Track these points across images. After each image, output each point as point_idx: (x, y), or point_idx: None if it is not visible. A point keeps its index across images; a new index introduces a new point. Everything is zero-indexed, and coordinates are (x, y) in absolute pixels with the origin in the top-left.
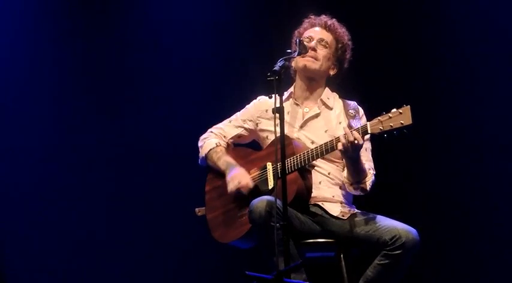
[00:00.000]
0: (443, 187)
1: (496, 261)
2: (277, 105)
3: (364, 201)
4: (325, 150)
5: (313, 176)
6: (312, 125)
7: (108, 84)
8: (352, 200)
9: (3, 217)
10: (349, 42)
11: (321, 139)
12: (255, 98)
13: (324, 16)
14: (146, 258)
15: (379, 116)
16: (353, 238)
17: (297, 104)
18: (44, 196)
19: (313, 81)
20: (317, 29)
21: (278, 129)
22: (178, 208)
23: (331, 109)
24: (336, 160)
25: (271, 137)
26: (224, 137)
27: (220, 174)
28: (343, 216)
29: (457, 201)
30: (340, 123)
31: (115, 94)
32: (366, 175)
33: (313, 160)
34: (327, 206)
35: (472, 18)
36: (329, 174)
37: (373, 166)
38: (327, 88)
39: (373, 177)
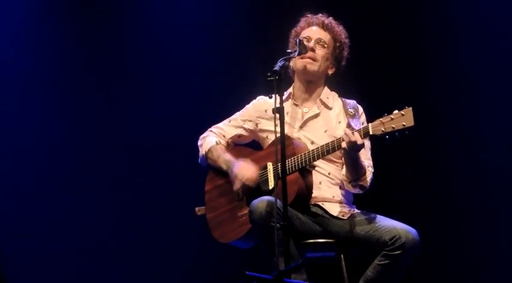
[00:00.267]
0: (443, 187)
1: (496, 261)
2: (277, 105)
3: (364, 201)
4: (326, 151)
5: (314, 176)
6: (312, 125)
7: (108, 84)
8: (352, 200)
9: (3, 217)
10: (347, 40)
11: (321, 139)
12: (255, 98)
13: (320, 15)
14: (146, 258)
15: (381, 117)
16: (353, 239)
17: (296, 105)
18: (44, 195)
19: (311, 82)
20: (314, 28)
21: (278, 129)
22: (178, 208)
23: (330, 109)
24: (336, 160)
25: (271, 137)
26: (224, 136)
27: (221, 173)
28: (343, 216)
29: (457, 201)
30: (339, 122)
31: (115, 94)
32: (364, 173)
33: (313, 161)
34: (327, 206)
35: (474, 18)
36: (329, 174)
37: (372, 164)
38: (325, 87)
39: (372, 175)
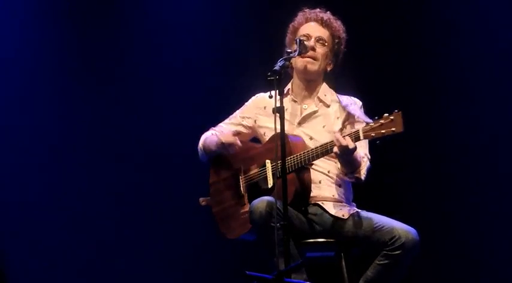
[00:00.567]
0: (443, 188)
1: (496, 261)
2: (278, 105)
3: (364, 201)
4: (321, 153)
5: (313, 175)
6: (310, 121)
7: (109, 84)
8: (352, 198)
9: (3, 217)
10: (344, 35)
11: (320, 134)
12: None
13: (318, 10)
14: (146, 258)
15: (372, 121)
16: (353, 238)
17: (295, 101)
18: (44, 195)
19: (311, 81)
20: (313, 24)
21: (278, 127)
22: (179, 208)
23: (328, 106)
24: (335, 158)
25: (269, 134)
26: (223, 132)
27: (224, 167)
28: (343, 215)
29: (456, 201)
30: (338, 118)
31: (115, 93)
32: (359, 165)
33: (309, 162)
34: (327, 206)
35: (472, 19)
36: (329, 172)
37: (367, 152)
38: (324, 84)
39: (369, 163)
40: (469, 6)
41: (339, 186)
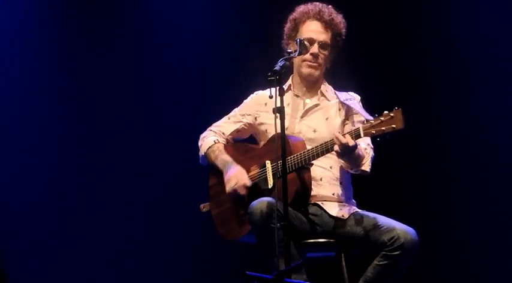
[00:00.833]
0: (443, 188)
1: (496, 261)
2: (278, 104)
3: (364, 201)
4: (321, 152)
5: (314, 172)
6: (313, 114)
7: (108, 84)
8: (352, 196)
9: (3, 217)
10: (345, 30)
11: (322, 126)
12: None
13: (320, 4)
14: (146, 258)
15: (372, 118)
16: (353, 238)
17: (297, 96)
18: (45, 195)
19: (312, 82)
20: (315, 25)
21: (278, 127)
22: (179, 208)
23: (329, 100)
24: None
25: (271, 130)
26: (223, 133)
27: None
28: (342, 216)
29: (456, 201)
30: (339, 109)
31: (115, 93)
32: (362, 159)
33: (309, 161)
34: (327, 206)
35: (472, 18)
36: (331, 167)
37: (369, 142)
38: (324, 80)
39: (372, 153)
40: (469, 6)
41: (340, 183)
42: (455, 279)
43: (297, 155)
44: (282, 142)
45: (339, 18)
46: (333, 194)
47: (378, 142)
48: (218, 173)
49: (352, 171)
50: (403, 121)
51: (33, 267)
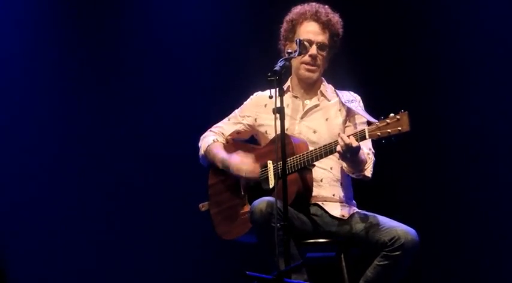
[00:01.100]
0: (443, 188)
1: (495, 262)
2: (278, 105)
3: (365, 201)
4: (324, 153)
5: (315, 173)
6: (313, 114)
7: (109, 84)
8: (352, 196)
9: (3, 217)
10: (342, 29)
11: (323, 127)
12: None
13: (316, 5)
14: (146, 258)
15: (378, 120)
16: (353, 239)
17: (296, 97)
18: (45, 195)
19: (311, 84)
20: (312, 26)
21: (278, 127)
22: (179, 208)
23: (329, 100)
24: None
25: (270, 132)
26: (223, 133)
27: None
28: (343, 216)
29: (456, 202)
30: (339, 110)
31: (115, 93)
32: (365, 163)
33: (312, 162)
34: (327, 206)
35: (472, 18)
36: (331, 169)
37: (371, 147)
38: (323, 80)
39: (374, 158)
40: (469, 6)
41: (341, 184)
42: (455, 279)
43: (300, 156)
44: (282, 143)
45: (335, 18)
46: (334, 195)
47: (382, 144)
48: (218, 172)
49: (353, 176)
50: (409, 124)
51: (33, 267)
